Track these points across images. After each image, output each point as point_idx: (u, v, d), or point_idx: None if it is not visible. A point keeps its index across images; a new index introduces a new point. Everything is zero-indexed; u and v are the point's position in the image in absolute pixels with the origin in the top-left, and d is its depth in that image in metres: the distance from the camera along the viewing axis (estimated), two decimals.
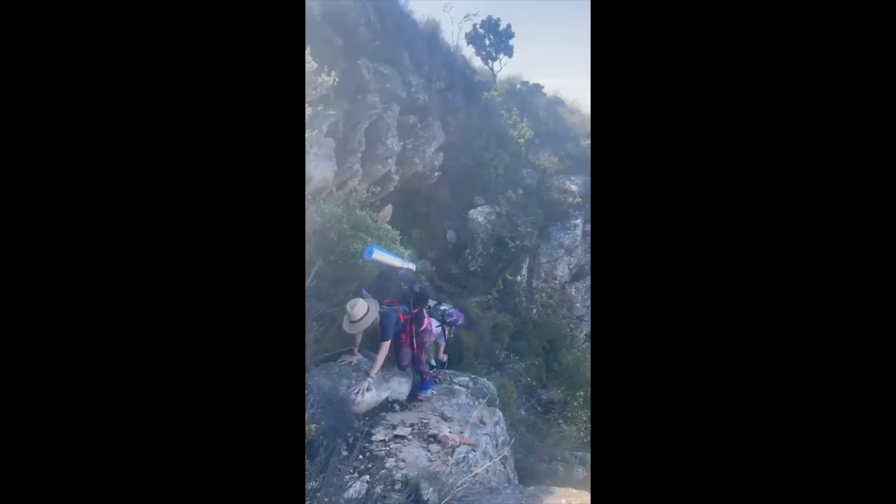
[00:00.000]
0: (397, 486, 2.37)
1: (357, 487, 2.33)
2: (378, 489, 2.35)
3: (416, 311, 3.33)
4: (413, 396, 3.41)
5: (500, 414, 3.66)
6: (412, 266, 3.74)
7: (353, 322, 3.04)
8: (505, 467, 3.20)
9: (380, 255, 3.42)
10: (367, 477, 2.43)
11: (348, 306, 3.05)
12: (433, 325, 3.80)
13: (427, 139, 6.73)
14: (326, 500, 2.13)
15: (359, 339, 3.51)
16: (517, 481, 3.36)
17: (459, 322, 4.08)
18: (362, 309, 3.04)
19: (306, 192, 4.45)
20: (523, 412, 5.26)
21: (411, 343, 3.34)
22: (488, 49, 9.63)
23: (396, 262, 3.55)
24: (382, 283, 3.31)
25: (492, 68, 9.78)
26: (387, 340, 3.11)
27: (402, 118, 6.35)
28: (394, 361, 3.41)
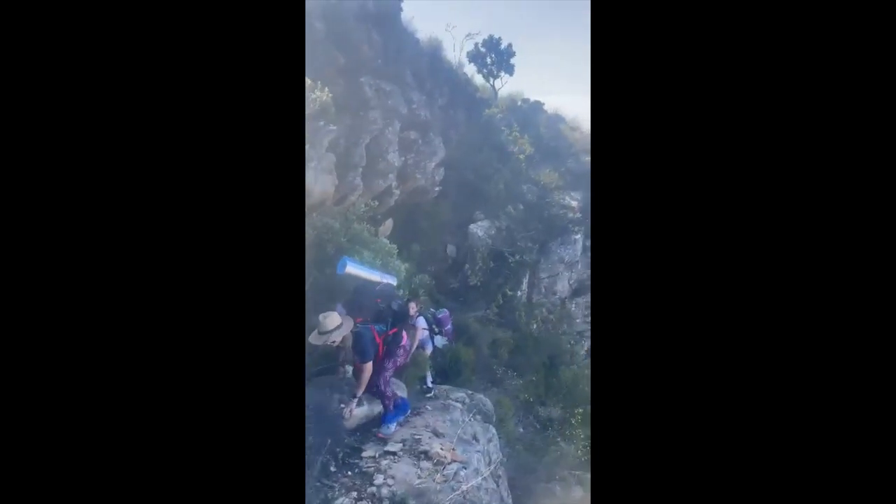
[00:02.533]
0: (384, 503, 2.33)
1: (343, 503, 2.30)
2: None
3: (393, 330, 3.08)
4: (399, 415, 3.13)
5: (494, 431, 3.61)
6: (392, 280, 3.48)
7: (320, 333, 2.82)
8: (498, 486, 3.14)
9: (353, 269, 3.18)
10: (354, 494, 2.40)
11: (321, 317, 2.85)
12: (421, 323, 3.58)
13: (428, 154, 6.79)
14: None
15: (343, 353, 3.39)
16: (511, 500, 3.30)
17: (448, 325, 3.81)
18: (334, 321, 2.83)
19: (306, 206, 4.49)
20: (521, 429, 5.19)
21: (384, 366, 3.07)
22: (489, 67, 9.79)
23: (374, 276, 3.29)
24: (358, 300, 3.03)
25: (493, 86, 9.92)
26: (367, 362, 2.88)
27: (403, 134, 6.42)
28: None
